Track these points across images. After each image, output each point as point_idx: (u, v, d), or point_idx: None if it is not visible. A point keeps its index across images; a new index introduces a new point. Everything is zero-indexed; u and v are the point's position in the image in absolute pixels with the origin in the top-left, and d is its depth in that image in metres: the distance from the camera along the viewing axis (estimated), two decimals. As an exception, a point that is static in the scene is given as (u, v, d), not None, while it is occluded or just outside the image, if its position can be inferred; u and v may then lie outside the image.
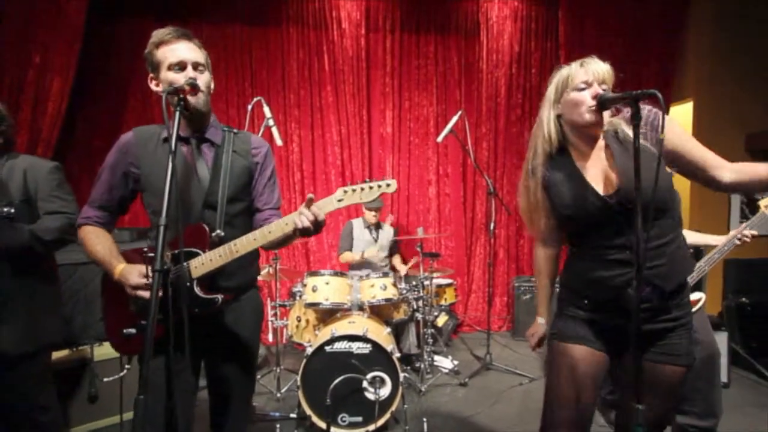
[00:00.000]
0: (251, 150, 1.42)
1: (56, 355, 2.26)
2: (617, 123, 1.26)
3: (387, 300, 2.72)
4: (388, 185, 1.20)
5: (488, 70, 4.23)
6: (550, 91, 1.28)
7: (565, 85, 1.23)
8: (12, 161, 1.65)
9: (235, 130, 1.41)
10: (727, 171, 1.26)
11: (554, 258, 1.45)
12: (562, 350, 1.31)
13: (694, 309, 2.12)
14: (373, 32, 4.14)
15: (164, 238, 1.00)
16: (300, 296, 2.80)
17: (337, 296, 2.66)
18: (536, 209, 1.35)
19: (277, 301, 2.92)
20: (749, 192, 1.29)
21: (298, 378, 2.27)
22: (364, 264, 3.41)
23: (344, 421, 2.25)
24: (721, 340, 2.82)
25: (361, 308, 2.75)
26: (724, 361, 2.78)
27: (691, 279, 2.13)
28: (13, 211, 1.50)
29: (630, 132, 1.23)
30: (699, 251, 2.46)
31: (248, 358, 1.44)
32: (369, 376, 2.23)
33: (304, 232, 1.18)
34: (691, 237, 2.38)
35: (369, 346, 2.29)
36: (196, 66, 1.28)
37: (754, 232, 2.09)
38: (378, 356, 2.27)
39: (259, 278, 3.06)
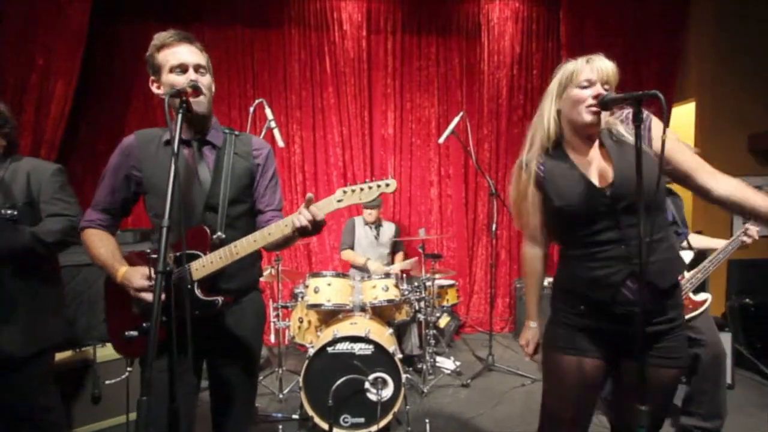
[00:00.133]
0: (252, 152, 1.42)
1: (60, 356, 2.27)
2: (612, 123, 1.27)
3: (389, 301, 2.72)
4: (387, 185, 1.20)
5: (489, 71, 4.23)
6: (554, 85, 1.28)
7: (569, 80, 1.22)
8: (15, 164, 1.66)
9: (236, 132, 1.42)
10: (723, 183, 1.21)
11: (543, 258, 1.41)
12: (558, 362, 1.28)
13: (700, 310, 2.14)
14: (374, 33, 4.15)
15: (167, 240, 1.01)
16: (302, 297, 2.81)
17: (339, 297, 2.66)
18: (525, 202, 1.34)
19: (279, 302, 2.92)
20: (736, 213, 1.25)
21: (300, 379, 2.27)
22: (364, 267, 3.41)
23: (346, 422, 2.25)
24: (725, 341, 2.79)
25: (363, 309, 2.75)
26: (728, 362, 2.76)
27: (696, 280, 2.13)
28: (16, 213, 1.51)
29: (624, 131, 1.24)
30: (702, 252, 2.46)
31: (250, 360, 1.44)
32: (371, 377, 2.23)
33: (302, 232, 1.18)
34: (697, 241, 2.38)
35: (371, 347, 2.29)
36: (197, 68, 1.28)
37: (758, 228, 2.10)
38: (380, 357, 2.27)
39: (262, 279, 3.08)
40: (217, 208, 1.32)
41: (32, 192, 1.64)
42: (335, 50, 4.08)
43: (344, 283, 2.74)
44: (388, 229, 3.65)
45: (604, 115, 1.23)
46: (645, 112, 1.22)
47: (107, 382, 2.32)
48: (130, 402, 2.24)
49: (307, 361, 2.28)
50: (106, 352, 2.39)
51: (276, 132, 2.83)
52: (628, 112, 1.27)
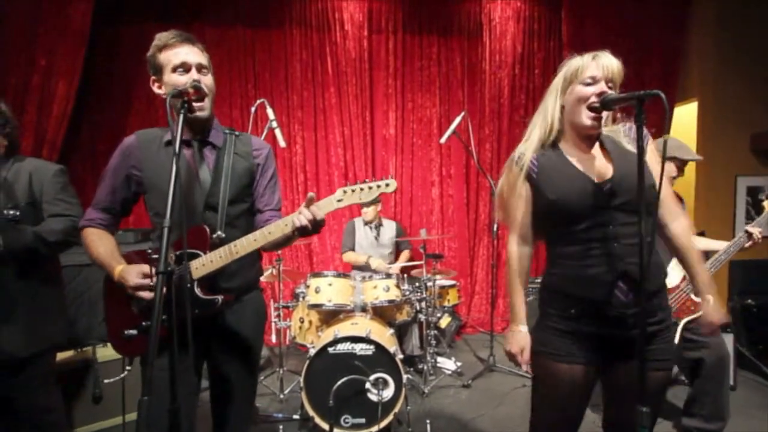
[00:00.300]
0: (252, 151, 1.42)
1: (60, 356, 2.27)
2: (616, 132, 1.28)
3: (390, 301, 2.72)
4: (387, 185, 1.20)
5: (491, 71, 4.22)
6: (558, 80, 1.26)
7: (574, 76, 1.21)
8: (18, 164, 1.67)
9: (236, 132, 1.42)
10: (678, 227, 1.28)
11: (529, 257, 1.36)
12: (552, 370, 1.24)
13: (702, 311, 2.12)
14: (375, 33, 4.15)
15: (168, 239, 1.01)
16: (303, 297, 2.81)
17: (340, 297, 2.66)
18: (513, 196, 1.31)
19: (280, 302, 2.92)
20: (677, 258, 1.32)
21: (301, 379, 2.27)
22: (367, 267, 3.41)
23: (347, 423, 2.25)
24: (727, 342, 2.78)
25: (364, 309, 2.75)
26: (730, 363, 2.76)
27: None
28: (18, 213, 1.52)
29: (626, 143, 1.26)
30: (704, 254, 2.45)
31: (250, 360, 1.44)
32: (372, 377, 2.23)
33: (302, 232, 1.18)
34: (700, 243, 2.37)
35: (372, 347, 2.29)
36: (200, 68, 1.29)
37: (760, 230, 2.09)
38: (381, 358, 2.27)
39: (263, 279, 3.09)
40: (216, 208, 1.32)
41: (34, 192, 1.64)
42: (337, 50, 4.08)
43: (345, 284, 2.74)
44: (389, 229, 3.65)
45: (606, 116, 1.23)
46: (632, 126, 1.24)
47: (106, 381, 2.32)
48: (128, 402, 2.24)
49: (308, 362, 2.28)
50: (106, 352, 2.39)
51: (277, 132, 2.83)
52: (630, 125, 1.28)
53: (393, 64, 4.16)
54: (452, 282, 3.62)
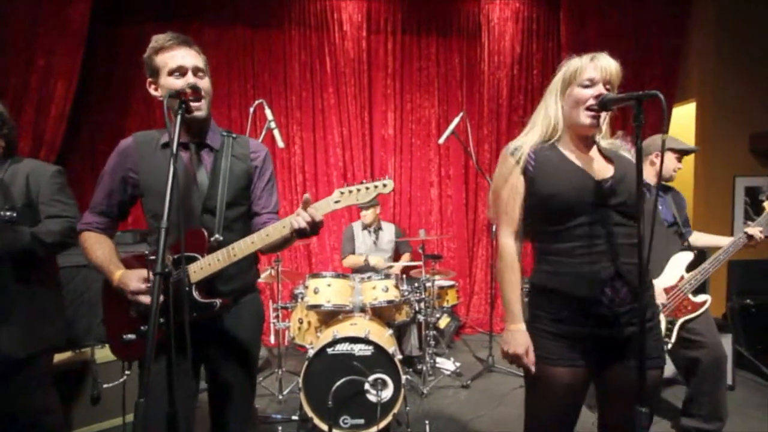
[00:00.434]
0: (250, 154, 1.42)
1: (59, 356, 2.27)
2: (612, 142, 1.30)
3: (389, 302, 2.72)
4: (384, 186, 1.20)
5: (490, 71, 4.23)
6: (557, 81, 1.27)
7: (573, 77, 1.22)
8: (15, 165, 1.66)
9: (233, 135, 1.42)
10: None
11: (520, 254, 1.31)
12: (547, 374, 1.21)
13: (700, 311, 2.13)
14: (374, 34, 4.15)
15: (165, 241, 1.00)
16: (302, 298, 2.80)
17: (338, 298, 2.66)
18: (506, 189, 1.27)
19: (278, 303, 2.92)
20: None
21: (300, 380, 2.26)
22: (367, 267, 3.41)
23: (346, 424, 2.24)
24: (726, 342, 2.78)
25: (362, 310, 2.74)
26: (728, 363, 2.76)
27: (696, 281, 2.12)
28: (15, 214, 1.51)
29: (621, 151, 1.28)
30: (702, 253, 2.45)
31: (249, 362, 1.43)
32: (371, 378, 2.23)
33: (300, 234, 1.18)
34: (700, 239, 2.37)
35: (371, 348, 2.28)
36: (196, 71, 1.28)
37: (761, 228, 2.10)
38: (380, 358, 2.27)
39: (262, 280, 3.08)
40: (214, 211, 1.32)
41: (31, 193, 1.64)
42: (335, 51, 4.08)
43: (344, 284, 2.74)
44: (388, 232, 3.64)
45: (604, 116, 1.23)
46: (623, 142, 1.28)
47: (105, 386, 2.31)
48: (128, 403, 2.23)
49: (306, 362, 2.28)
50: (105, 353, 2.39)
51: (276, 133, 2.83)
52: (623, 141, 1.32)
53: (392, 65, 4.16)
54: (451, 282, 3.61)
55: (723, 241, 2.25)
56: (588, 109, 1.19)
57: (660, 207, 2.26)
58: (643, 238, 1.03)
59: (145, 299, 1.20)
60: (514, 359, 1.25)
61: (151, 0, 3.83)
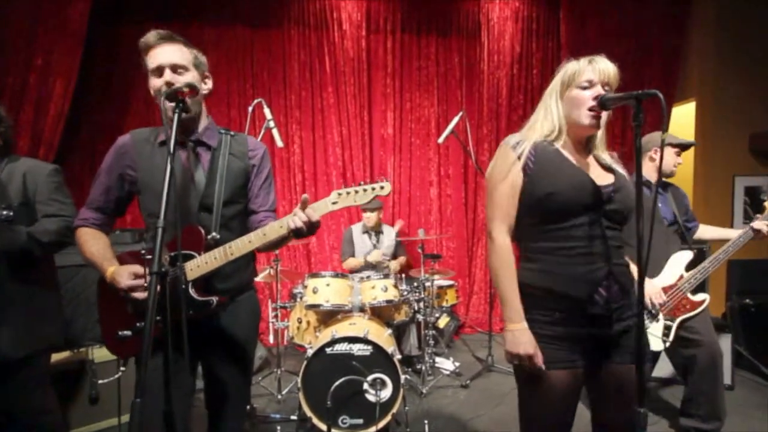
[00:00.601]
0: (248, 152, 1.42)
1: (57, 356, 2.26)
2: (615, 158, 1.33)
3: (388, 301, 2.71)
4: (382, 188, 1.20)
5: (489, 70, 4.22)
6: (555, 84, 1.27)
7: (571, 80, 1.22)
8: (12, 164, 1.66)
9: (231, 133, 1.42)
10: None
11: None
12: (543, 377, 1.19)
13: (698, 310, 2.13)
14: (374, 33, 4.15)
15: (162, 240, 1.00)
16: (301, 298, 2.80)
17: (337, 298, 2.65)
18: (505, 183, 1.24)
19: (278, 302, 2.91)
20: None
21: (299, 380, 2.26)
22: (367, 265, 3.40)
23: (345, 423, 2.24)
24: (725, 341, 2.79)
25: (361, 310, 2.74)
26: (727, 363, 2.76)
27: (695, 280, 2.12)
28: (11, 214, 1.51)
29: (615, 166, 1.30)
30: (702, 252, 2.44)
31: (245, 360, 1.43)
32: (370, 378, 2.22)
33: (297, 234, 1.19)
34: (708, 231, 2.38)
35: (370, 347, 2.28)
36: (174, 68, 1.26)
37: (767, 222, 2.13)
38: (379, 358, 2.26)
39: (261, 280, 3.08)
40: (211, 209, 1.31)
41: (28, 192, 1.63)
42: (335, 50, 4.07)
43: (343, 284, 2.73)
44: (388, 235, 3.63)
45: (604, 115, 1.23)
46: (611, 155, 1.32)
47: (100, 381, 2.31)
48: (124, 403, 2.23)
49: (305, 362, 2.27)
50: (103, 352, 2.38)
51: (275, 132, 2.82)
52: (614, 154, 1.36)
53: (391, 64, 4.16)
54: (450, 282, 3.61)
55: (730, 233, 2.25)
56: (588, 109, 1.20)
57: (660, 205, 2.26)
58: (642, 237, 1.03)
59: (138, 295, 1.20)
60: (524, 360, 1.18)
61: (151, 0, 3.83)
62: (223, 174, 1.34)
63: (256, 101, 2.87)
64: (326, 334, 2.39)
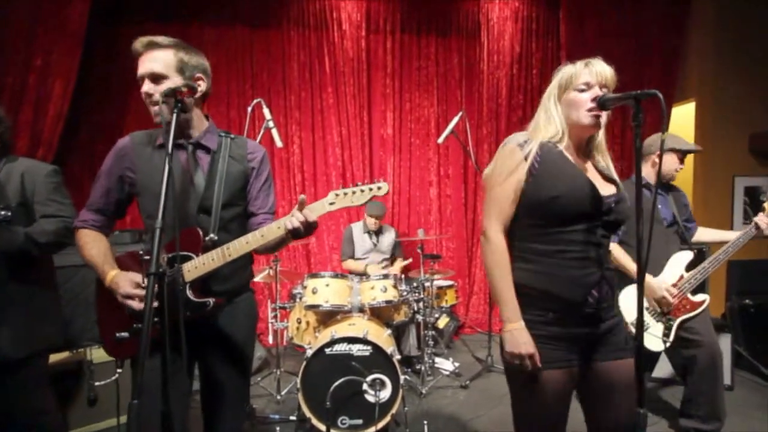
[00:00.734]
0: (247, 155, 1.42)
1: (55, 357, 2.26)
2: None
3: (387, 302, 2.71)
4: (379, 188, 1.21)
5: (489, 71, 4.22)
6: (553, 87, 1.27)
7: (568, 83, 1.23)
8: (10, 164, 1.65)
9: (231, 135, 1.42)
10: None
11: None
12: (530, 377, 1.19)
13: (698, 311, 2.13)
14: (373, 33, 4.14)
15: (160, 241, 1.00)
16: (300, 298, 2.80)
17: (337, 298, 2.65)
18: (508, 182, 1.22)
19: (277, 302, 2.91)
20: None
21: (298, 380, 2.26)
22: (365, 273, 3.40)
23: (344, 424, 2.24)
24: (725, 342, 2.79)
25: (361, 310, 2.74)
26: (727, 363, 2.75)
27: (695, 280, 2.12)
28: (9, 214, 1.51)
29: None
30: (702, 253, 2.44)
31: (242, 361, 1.43)
32: (369, 378, 2.22)
33: (295, 234, 1.19)
34: (707, 234, 2.38)
35: (369, 348, 2.28)
36: (153, 78, 1.25)
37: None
38: (378, 358, 2.26)
39: (260, 280, 3.08)
40: (210, 211, 1.32)
41: (26, 193, 1.63)
42: (334, 50, 4.07)
43: (342, 284, 2.73)
44: (388, 236, 3.63)
45: (604, 116, 1.23)
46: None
47: (97, 383, 2.31)
48: (122, 403, 2.23)
49: (304, 363, 2.27)
50: (101, 353, 2.38)
51: (274, 132, 2.82)
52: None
53: (391, 64, 4.16)
54: (450, 282, 3.61)
55: (729, 235, 2.25)
56: (588, 110, 1.20)
57: (660, 206, 2.26)
58: (642, 237, 1.03)
59: (135, 305, 1.20)
60: (524, 360, 1.16)
61: (151, 0, 3.83)
62: (223, 176, 1.34)
63: (255, 101, 2.87)
64: (325, 335, 2.39)
